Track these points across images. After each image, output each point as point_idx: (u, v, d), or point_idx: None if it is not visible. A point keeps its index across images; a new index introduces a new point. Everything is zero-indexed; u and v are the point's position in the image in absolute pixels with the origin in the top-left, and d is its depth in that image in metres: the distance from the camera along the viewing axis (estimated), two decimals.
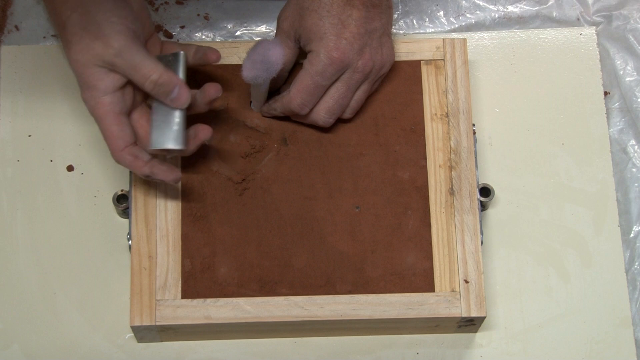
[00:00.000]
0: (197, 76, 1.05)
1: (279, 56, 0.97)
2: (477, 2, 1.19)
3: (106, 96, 0.93)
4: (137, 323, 0.99)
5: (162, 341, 1.06)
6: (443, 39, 1.08)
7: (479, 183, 1.06)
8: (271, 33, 1.17)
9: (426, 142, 1.05)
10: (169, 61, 0.97)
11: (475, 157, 1.05)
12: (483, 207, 1.09)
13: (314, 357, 1.07)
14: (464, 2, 1.19)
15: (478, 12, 1.19)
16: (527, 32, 1.17)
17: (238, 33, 1.18)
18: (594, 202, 1.11)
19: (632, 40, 1.17)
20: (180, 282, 1.00)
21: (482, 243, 1.02)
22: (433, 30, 1.18)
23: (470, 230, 1.02)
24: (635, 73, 1.16)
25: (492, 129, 1.13)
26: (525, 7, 1.19)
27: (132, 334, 1.05)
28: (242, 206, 1.02)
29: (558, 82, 1.15)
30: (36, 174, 1.11)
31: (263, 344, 1.06)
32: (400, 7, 1.18)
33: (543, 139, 1.13)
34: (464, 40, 1.08)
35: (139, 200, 1.02)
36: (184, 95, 0.95)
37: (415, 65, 1.07)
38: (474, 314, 1.00)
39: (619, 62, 1.17)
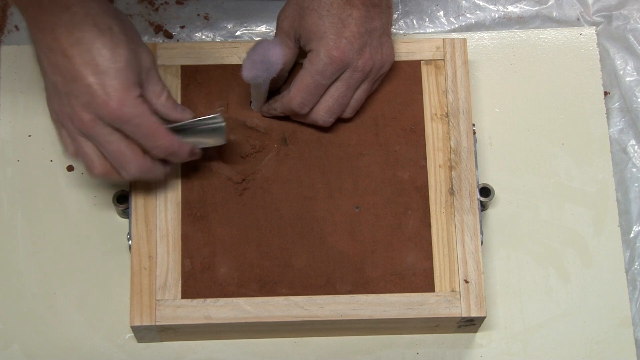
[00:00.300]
0: (197, 76, 1.05)
1: (279, 56, 0.97)
2: (477, 2, 1.19)
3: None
4: (137, 323, 0.99)
5: (162, 341, 1.06)
6: (443, 39, 1.08)
7: (479, 183, 1.06)
8: (271, 33, 1.17)
9: (426, 142, 1.05)
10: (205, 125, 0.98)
11: (475, 157, 1.05)
12: (483, 207, 1.09)
13: (314, 357, 1.07)
14: (464, 2, 1.19)
15: (478, 12, 1.19)
16: (527, 32, 1.17)
17: (238, 33, 1.18)
18: (594, 202, 1.11)
19: (632, 40, 1.17)
20: (180, 282, 1.00)
21: (482, 243, 1.02)
22: (433, 30, 1.18)
23: (470, 230, 1.02)
24: (635, 73, 1.16)
25: (492, 129, 1.13)
26: (525, 7, 1.19)
27: (132, 334, 1.05)
28: (242, 206, 1.02)
29: (558, 82, 1.15)
30: (36, 174, 1.11)
31: (263, 344, 1.06)
32: (400, 7, 1.18)
33: (543, 139, 1.13)
34: (464, 40, 1.08)
35: (139, 200, 1.02)
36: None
37: (415, 65, 1.07)
38: (474, 314, 1.00)
39: (619, 62, 1.17)
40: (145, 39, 1.17)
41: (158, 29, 1.17)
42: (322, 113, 1.02)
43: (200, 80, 1.05)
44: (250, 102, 1.05)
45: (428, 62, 1.07)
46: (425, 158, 1.04)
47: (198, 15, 1.18)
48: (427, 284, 1.01)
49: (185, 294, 1.00)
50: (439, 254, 1.01)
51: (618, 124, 1.15)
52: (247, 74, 0.97)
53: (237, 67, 1.00)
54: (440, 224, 1.02)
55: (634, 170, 1.13)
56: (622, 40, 1.17)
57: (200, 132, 0.97)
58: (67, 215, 1.09)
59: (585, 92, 1.15)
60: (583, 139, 1.13)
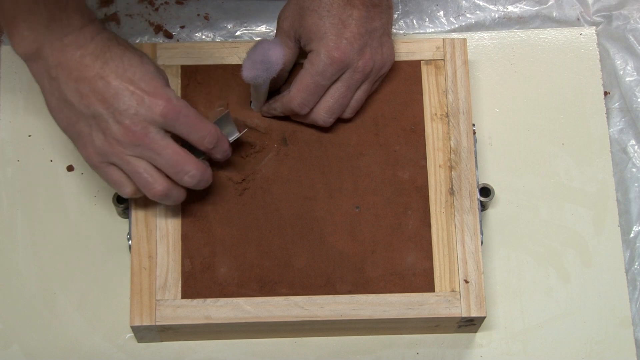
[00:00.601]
0: (197, 76, 1.05)
1: (279, 56, 0.97)
2: (477, 2, 1.19)
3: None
4: (137, 323, 0.99)
5: (162, 341, 1.06)
6: (443, 39, 1.08)
7: (479, 183, 1.06)
8: (271, 33, 1.17)
9: (426, 142, 1.05)
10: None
11: (475, 157, 1.05)
12: (483, 207, 1.09)
13: (314, 357, 1.07)
14: (464, 2, 1.19)
15: (478, 12, 1.19)
16: (527, 32, 1.17)
17: (238, 33, 1.18)
18: (594, 202, 1.11)
19: (632, 40, 1.17)
20: (180, 282, 1.00)
21: (482, 243, 1.02)
22: (433, 30, 1.18)
23: (470, 230, 1.02)
24: (635, 73, 1.16)
25: (492, 129, 1.13)
26: (525, 7, 1.19)
27: (132, 334, 1.05)
28: (242, 206, 1.02)
29: (558, 82, 1.15)
30: (36, 174, 1.11)
31: (263, 344, 1.06)
32: (400, 7, 1.18)
33: (543, 139, 1.13)
34: (464, 40, 1.08)
35: (139, 200, 1.02)
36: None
37: (415, 65, 1.07)
38: (474, 314, 1.00)
39: (619, 62, 1.17)
40: (145, 39, 1.17)
41: (158, 29, 1.17)
42: (322, 113, 1.02)
43: (200, 80, 1.05)
44: (250, 102, 1.05)
45: (428, 62, 1.07)
46: (425, 158, 1.04)
47: (198, 15, 1.18)
48: (427, 284, 1.01)
49: (185, 294, 1.00)
50: (439, 254, 1.01)
51: (618, 124, 1.15)
52: (247, 74, 0.97)
53: (237, 67, 1.00)
54: (440, 224, 1.02)
55: (634, 170, 1.13)
56: (622, 40, 1.17)
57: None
58: (67, 215, 1.09)
59: (585, 92, 1.15)
60: (583, 139, 1.13)
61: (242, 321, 0.99)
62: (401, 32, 1.18)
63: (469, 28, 1.18)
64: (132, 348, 1.06)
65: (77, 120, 0.94)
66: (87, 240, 1.09)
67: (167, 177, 0.95)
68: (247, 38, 1.18)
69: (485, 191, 1.07)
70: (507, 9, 1.19)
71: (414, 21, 1.18)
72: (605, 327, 1.08)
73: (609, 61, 1.17)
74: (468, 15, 1.19)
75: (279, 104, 1.03)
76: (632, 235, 1.11)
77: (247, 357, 1.06)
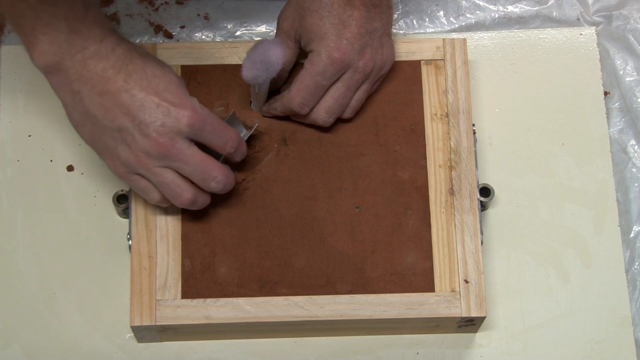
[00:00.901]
0: (197, 75, 1.05)
1: (279, 56, 0.97)
2: (477, 2, 1.19)
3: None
4: (137, 323, 0.99)
5: (162, 341, 1.06)
6: (443, 39, 1.08)
7: (479, 183, 1.06)
8: (271, 33, 1.17)
9: (426, 142, 1.05)
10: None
11: (475, 157, 1.05)
12: (483, 207, 1.09)
13: (314, 357, 1.07)
14: (464, 2, 1.19)
15: (478, 12, 1.19)
16: (527, 32, 1.17)
17: (238, 33, 1.18)
18: (594, 202, 1.11)
19: (632, 40, 1.17)
20: (180, 282, 1.00)
21: (482, 243, 1.02)
22: (433, 30, 1.18)
23: (470, 230, 1.02)
24: (635, 73, 1.16)
25: (492, 129, 1.13)
26: (525, 7, 1.19)
27: (132, 334, 1.05)
28: (242, 206, 1.02)
29: (558, 82, 1.15)
30: (36, 174, 1.11)
31: (263, 344, 1.06)
32: (400, 7, 1.18)
33: (543, 139, 1.13)
34: (464, 40, 1.08)
35: (139, 200, 1.02)
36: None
37: (415, 65, 1.07)
38: (474, 314, 1.00)
39: (619, 62, 1.17)
40: (145, 39, 1.17)
41: (158, 29, 1.17)
42: (322, 113, 1.02)
43: (200, 80, 1.05)
44: (250, 102, 1.05)
45: (428, 62, 1.07)
46: (425, 158, 1.04)
47: (198, 15, 1.18)
48: (427, 284, 1.01)
49: (185, 294, 1.00)
50: (439, 254, 1.01)
51: (618, 124, 1.15)
52: (247, 74, 0.97)
53: (237, 67, 1.00)
54: (440, 224, 1.02)
55: (634, 170, 1.13)
56: (622, 40, 1.17)
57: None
58: (67, 215, 1.09)
59: (585, 92, 1.15)
60: (583, 139, 1.13)
61: (242, 321, 0.99)
62: (401, 32, 1.18)
63: (469, 28, 1.18)
64: (132, 348, 1.06)
65: (102, 134, 0.93)
66: (87, 240, 1.09)
67: (193, 184, 0.96)
68: (247, 38, 1.18)
69: (485, 191, 1.07)
70: (507, 9, 1.19)
71: (414, 21, 1.18)
72: (605, 327, 1.08)
73: (609, 61, 1.17)
74: (468, 15, 1.19)
75: (279, 104, 1.03)
76: (632, 235, 1.11)
77: (247, 357, 1.06)
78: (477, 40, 1.17)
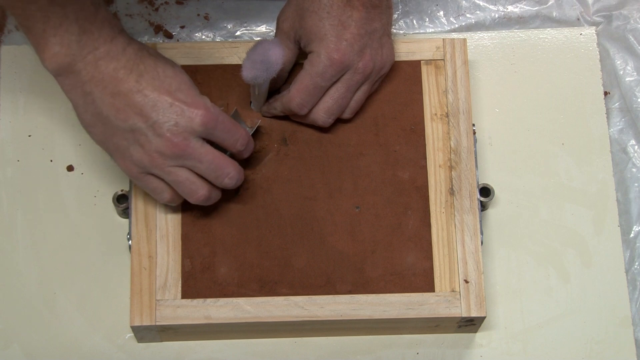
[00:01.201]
0: (197, 76, 1.05)
1: (278, 56, 0.97)
2: (477, 2, 1.19)
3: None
4: (137, 323, 0.99)
5: (162, 341, 1.06)
6: (443, 39, 1.08)
7: (479, 183, 1.06)
8: (271, 33, 1.17)
9: (426, 142, 1.05)
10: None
11: (475, 157, 1.05)
12: (483, 207, 1.09)
13: (314, 357, 1.07)
14: (464, 2, 1.19)
15: (478, 12, 1.19)
16: (527, 32, 1.17)
17: (238, 33, 1.18)
18: (594, 202, 1.11)
19: (632, 40, 1.17)
20: (180, 282, 1.00)
21: (482, 243, 1.02)
22: (433, 30, 1.18)
23: (470, 230, 1.02)
24: (635, 73, 1.16)
25: (492, 129, 1.13)
26: (525, 7, 1.19)
27: (132, 334, 1.05)
28: (242, 206, 1.02)
29: (558, 82, 1.15)
30: (36, 174, 1.11)
31: (263, 344, 1.06)
32: (400, 7, 1.18)
33: (543, 139, 1.13)
34: (464, 40, 1.08)
35: (139, 200, 1.02)
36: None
37: (415, 65, 1.07)
38: (474, 314, 1.00)
39: (619, 62, 1.17)
40: (145, 39, 1.17)
41: (158, 29, 1.17)
42: (321, 114, 1.02)
43: (200, 80, 1.05)
44: (250, 102, 1.05)
45: (428, 62, 1.07)
46: (425, 158, 1.04)
47: (198, 15, 1.18)
48: (427, 284, 1.01)
49: (185, 294, 1.00)
50: (439, 254, 1.01)
51: (618, 124, 1.15)
52: (247, 74, 0.97)
53: (237, 67, 1.00)
54: (440, 224, 1.02)
55: (634, 170, 1.13)
56: (622, 40, 1.17)
57: None
58: (67, 215, 1.09)
59: (585, 92, 1.15)
60: (583, 139, 1.13)
61: (242, 321, 0.99)
62: (401, 32, 1.18)
63: (469, 28, 1.18)
64: (132, 348, 1.06)
65: (113, 135, 0.93)
66: (87, 240, 1.09)
67: (207, 180, 0.96)
68: (247, 38, 1.18)
69: (485, 191, 1.07)
70: (507, 9, 1.19)
71: (414, 21, 1.18)
72: (605, 327, 1.08)
73: (609, 61, 1.17)
74: (468, 15, 1.19)
75: (278, 104, 1.03)
76: (632, 235, 1.11)
77: (247, 357, 1.06)
78: (477, 40, 1.17)
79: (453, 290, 1.01)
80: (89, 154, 1.11)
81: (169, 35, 1.17)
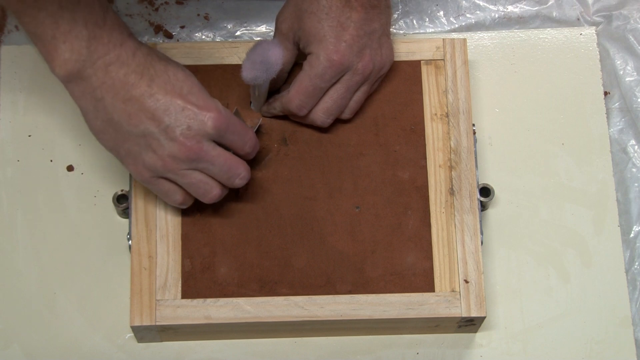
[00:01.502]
0: (197, 75, 1.05)
1: (278, 56, 0.97)
2: (477, 2, 1.19)
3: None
4: (137, 323, 0.99)
5: (162, 341, 1.06)
6: (443, 39, 1.08)
7: (479, 183, 1.06)
8: (271, 33, 1.17)
9: (426, 142, 1.05)
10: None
11: (475, 157, 1.05)
12: (483, 207, 1.09)
13: (314, 357, 1.07)
14: (464, 2, 1.19)
15: (478, 12, 1.19)
16: (527, 32, 1.17)
17: (238, 33, 1.18)
18: (594, 202, 1.11)
19: (632, 40, 1.17)
20: (180, 282, 1.00)
21: (482, 243, 1.02)
22: (433, 30, 1.18)
23: (470, 230, 1.02)
24: (635, 73, 1.16)
25: (492, 129, 1.13)
26: (525, 7, 1.19)
27: (132, 334, 1.05)
28: (242, 206, 1.02)
29: (558, 82, 1.15)
30: (36, 174, 1.11)
31: (263, 344, 1.06)
32: (400, 7, 1.18)
33: (543, 139, 1.13)
34: (464, 40, 1.08)
35: (139, 200, 1.02)
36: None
37: (415, 65, 1.07)
38: (474, 314, 1.00)
39: (619, 62, 1.17)
40: (145, 39, 1.17)
41: (158, 29, 1.17)
42: (320, 114, 1.02)
43: (200, 80, 1.05)
44: (250, 102, 1.05)
45: (428, 62, 1.07)
46: (425, 158, 1.04)
47: (198, 15, 1.18)
48: (427, 284, 1.01)
49: (185, 294, 1.00)
50: (439, 254, 1.01)
51: (618, 124, 1.15)
52: (247, 74, 0.97)
53: (237, 67, 1.00)
54: (440, 224, 1.02)
55: (634, 170, 1.13)
56: (622, 40, 1.17)
57: None
58: (67, 215, 1.09)
59: (585, 92, 1.15)
60: (583, 139, 1.13)
61: (242, 321, 0.99)
62: (401, 32, 1.18)
63: (469, 28, 1.18)
64: (132, 348, 1.06)
65: (125, 140, 0.93)
66: (87, 240, 1.09)
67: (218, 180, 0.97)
68: (247, 38, 1.18)
69: (485, 191, 1.07)
70: (507, 9, 1.19)
71: (414, 21, 1.18)
72: (605, 327, 1.08)
73: (609, 61, 1.17)
74: (468, 15, 1.19)
75: (278, 104, 1.03)
76: (632, 235, 1.11)
77: (247, 357, 1.06)
78: (477, 40, 1.17)
79: (453, 290, 1.01)
80: (89, 154, 1.11)
81: (169, 35, 1.17)
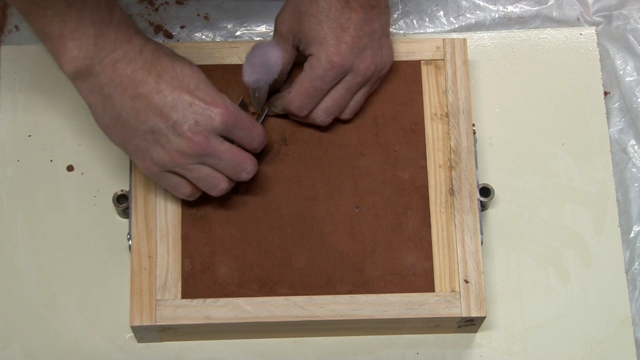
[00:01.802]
0: None
1: (278, 58, 0.97)
2: (477, 2, 1.19)
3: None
4: (137, 323, 0.99)
5: (162, 341, 1.06)
6: (443, 39, 1.08)
7: (479, 183, 1.06)
8: (271, 33, 1.17)
9: (426, 142, 1.05)
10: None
11: (475, 157, 1.05)
12: (483, 207, 1.09)
13: (314, 357, 1.07)
14: (464, 2, 1.19)
15: (478, 12, 1.19)
16: (527, 32, 1.17)
17: (238, 33, 1.18)
18: (594, 202, 1.11)
19: (632, 40, 1.17)
20: (180, 282, 1.00)
21: (482, 243, 1.02)
22: (433, 30, 1.18)
23: (470, 230, 1.02)
24: (635, 73, 1.16)
25: (492, 129, 1.13)
26: (525, 7, 1.19)
27: (132, 334, 1.05)
28: (242, 206, 1.03)
29: (558, 82, 1.15)
30: (36, 174, 1.11)
31: (263, 344, 1.06)
32: (400, 7, 1.18)
33: (543, 139, 1.13)
34: (464, 40, 1.08)
35: (139, 200, 1.02)
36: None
37: (415, 65, 1.07)
38: (474, 314, 1.00)
39: (619, 62, 1.17)
40: None
41: (158, 29, 1.17)
42: (320, 113, 1.02)
43: None
44: (250, 102, 1.05)
45: (428, 62, 1.07)
46: (425, 158, 1.04)
47: (198, 15, 1.18)
48: (427, 284, 1.01)
49: (185, 294, 1.00)
50: (439, 254, 1.01)
51: (618, 124, 1.15)
52: (248, 78, 0.97)
53: (237, 67, 1.00)
54: (440, 224, 1.02)
55: (634, 170, 1.13)
56: (622, 40, 1.17)
57: None
58: (67, 215, 1.09)
59: (585, 92, 1.15)
60: (583, 139, 1.13)
61: (242, 321, 0.99)
62: (401, 32, 1.18)
63: (469, 28, 1.18)
64: (132, 348, 1.06)
65: (133, 136, 0.93)
66: (87, 240, 1.09)
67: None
68: (247, 38, 1.18)
69: (485, 191, 1.07)
70: (507, 9, 1.19)
71: (414, 21, 1.18)
72: (605, 327, 1.08)
73: (609, 61, 1.17)
74: (468, 15, 1.19)
75: (279, 102, 1.03)
76: (632, 235, 1.11)
77: (247, 357, 1.06)
78: (477, 40, 1.17)
79: (453, 290, 1.01)
80: (89, 154, 1.11)
81: (169, 35, 1.17)
